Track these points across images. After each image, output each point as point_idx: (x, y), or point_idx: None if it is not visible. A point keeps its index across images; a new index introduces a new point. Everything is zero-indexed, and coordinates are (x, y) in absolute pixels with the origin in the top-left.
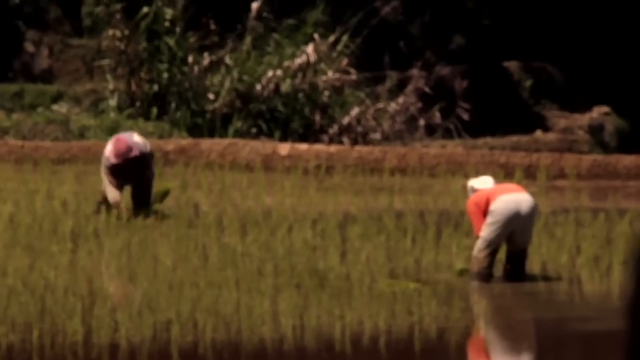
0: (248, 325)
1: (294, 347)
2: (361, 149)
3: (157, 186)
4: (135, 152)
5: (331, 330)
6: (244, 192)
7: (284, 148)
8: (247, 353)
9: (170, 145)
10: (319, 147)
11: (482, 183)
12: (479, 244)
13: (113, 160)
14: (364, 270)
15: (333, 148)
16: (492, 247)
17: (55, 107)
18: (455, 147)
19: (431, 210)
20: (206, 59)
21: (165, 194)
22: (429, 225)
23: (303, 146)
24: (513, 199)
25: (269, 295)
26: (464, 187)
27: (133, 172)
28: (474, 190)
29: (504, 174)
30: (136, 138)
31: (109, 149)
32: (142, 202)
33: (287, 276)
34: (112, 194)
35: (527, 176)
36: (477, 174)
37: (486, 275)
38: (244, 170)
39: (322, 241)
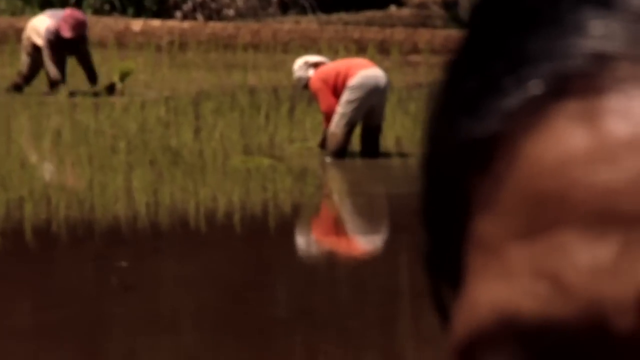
0: (101, 202)
1: (148, 224)
2: (214, 25)
3: (119, 65)
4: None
5: (185, 206)
6: (97, 69)
7: (137, 24)
8: (100, 230)
9: (21, 22)
10: (172, 23)
11: (316, 59)
12: (337, 120)
13: (67, 34)
14: (217, 147)
15: (186, 24)
16: (352, 124)
17: None
18: (309, 23)
19: (285, 86)
20: None
21: (126, 74)
22: (283, 102)
23: (156, 22)
24: (372, 74)
25: (122, 172)
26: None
27: (75, 46)
28: (310, 65)
29: (357, 49)
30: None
31: (52, 24)
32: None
33: (141, 153)
34: (54, 70)
35: (381, 51)
36: (331, 49)
37: (342, 152)
38: (96, 47)
39: (175, 118)
